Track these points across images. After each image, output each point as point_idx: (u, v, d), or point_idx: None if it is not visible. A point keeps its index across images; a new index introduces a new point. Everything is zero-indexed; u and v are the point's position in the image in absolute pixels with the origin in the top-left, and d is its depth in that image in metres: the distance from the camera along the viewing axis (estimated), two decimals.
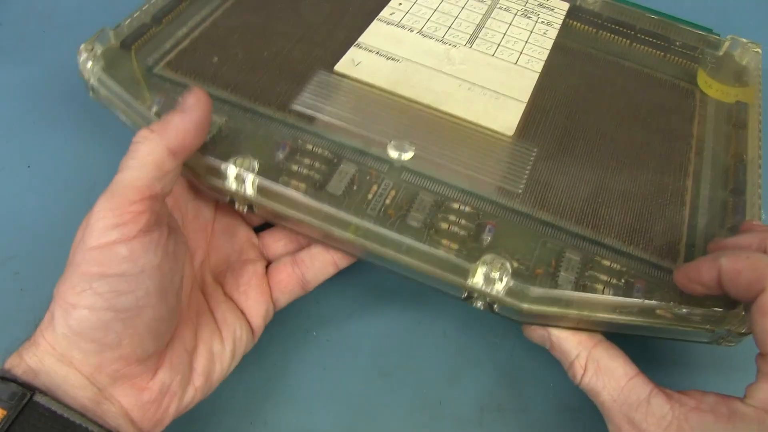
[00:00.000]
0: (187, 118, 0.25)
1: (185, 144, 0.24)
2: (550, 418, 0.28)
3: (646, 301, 0.25)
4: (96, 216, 0.22)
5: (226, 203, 0.28)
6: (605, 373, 0.24)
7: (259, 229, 0.30)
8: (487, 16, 0.36)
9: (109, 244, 0.21)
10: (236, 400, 0.28)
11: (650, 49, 0.37)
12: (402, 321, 0.31)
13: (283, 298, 0.28)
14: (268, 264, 0.29)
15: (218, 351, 0.25)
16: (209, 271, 0.27)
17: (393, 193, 0.27)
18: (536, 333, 0.26)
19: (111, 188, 0.22)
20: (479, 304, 0.26)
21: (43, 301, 0.29)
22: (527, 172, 0.29)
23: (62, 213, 0.33)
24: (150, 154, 0.23)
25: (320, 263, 0.28)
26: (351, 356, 0.30)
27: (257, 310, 0.27)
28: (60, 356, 0.22)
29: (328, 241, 0.27)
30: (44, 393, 0.21)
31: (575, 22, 0.38)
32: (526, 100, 0.32)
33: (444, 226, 0.27)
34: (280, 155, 0.28)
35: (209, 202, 0.29)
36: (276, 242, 0.29)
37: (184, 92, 0.25)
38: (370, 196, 0.27)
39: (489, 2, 0.37)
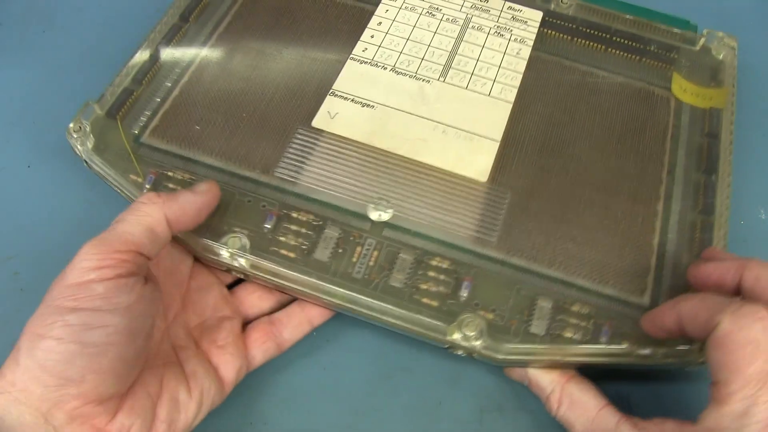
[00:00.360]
0: (194, 199, 0.27)
1: (182, 220, 0.27)
2: (550, 418, 0.28)
3: (611, 347, 0.28)
4: (80, 257, 0.24)
5: (202, 262, 0.30)
6: (577, 406, 0.27)
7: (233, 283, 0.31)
8: (459, 39, 0.36)
9: (86, 282, 0.23)
10: (236, 400, 0.28)
11: (626, 54, 0.37)
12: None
13: (260, 356, 0.29)
14: (245, 320, 0.30)
15: (184, 400, 0.26)
16: (183, 325, 0.29)
17: (376, 253, 0.30)
18: (515, 373, 0.29)
19: (101, 236, 0.25)
20: (460, 352, 0.28)
21: None
22: (501, 218, 0.31)
23: (62, 213, 0.34)
24: (148, 215, 0.26)
25: (296, 323, 0.30)
26: (351, 356, 0.30)
27: (231, 366, 0.28)
28: (18, 394, 0.22)
29: (316, 302, 0.30)
30: None
31: (550, 31, 0.38)
32: (500, 138, 0.33)
33: (424, 285, 0.29)
34: (268, 225, 0.30)
35: (186, 260, 0.30)
36: (250, 295, 0.30)
37: (201, 182, 0.29)
38: (354, 258, 0.29)
39: (461, 22, 0.37)
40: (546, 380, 0.27)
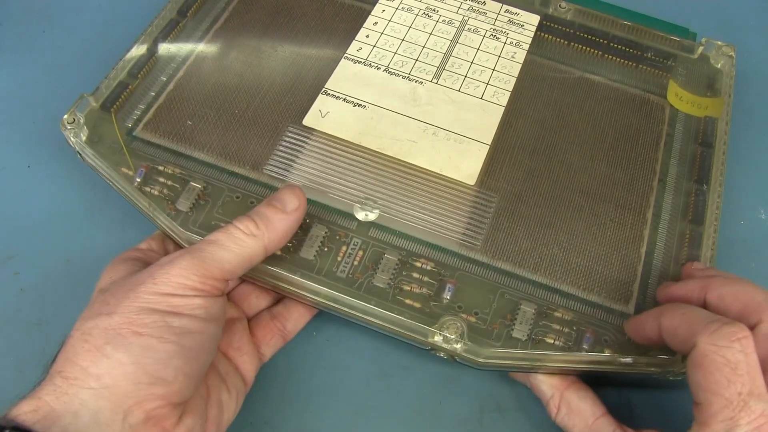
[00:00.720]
0: (288, 221, 0.27)
1: (279, 246, 0.27)
2: (551, 418, 0.28)
3: (592, 354, 0.27)
4: (177, 272, 0.24)
5: None
6: (575, 413, 0.27)
7: None
8: (455, 41, 0.36)
9: (183, 295, 0.24)
10: None
11: (622, 60, 0.37)
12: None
13: (268, 351, 0.30)
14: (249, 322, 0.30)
15: (226, 401, 0.27)
16: None
17: (361, 253, 0.30)
18: (518, 375, 0.29)
19: (200, 255, 0.25)
20: (442, 354, 0.28)
21: (43, 301, 0.30)
22: (487, 221, 0.31)
23: (62, 213, 0.34)
24: (250, 249, 0.26)
25: (297, 314, 0.30)
26: (351, 356, 0.30)
27: (250, 366, 0.29)
28: (100, 388, 0.22)
29: (301, 300, 0.30)
30: None
31: (546, 35, 0.38)
32: (490, 142, 0.33)
33: (407, 286, 0.29)
34: None
35: None
36: (248, 296, 0.31)
37: (286, 188, 0.28)
38: (339, 257, 0.29)
39: (457, 24, 0.37)
40: (546, 385, 0.28)
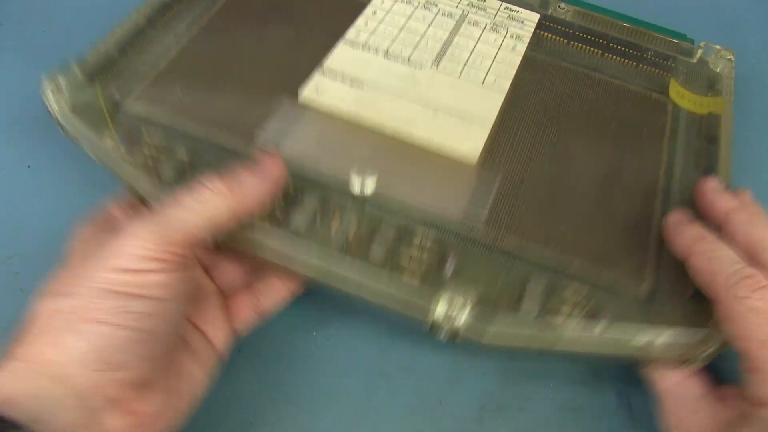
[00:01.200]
0: (259, 183, 0.25)
1: (250, 210, 0.25)
2: (550, 418, 0.28)
3: (604, 336, 0.25)
4: (133, 242, 0.22)
5: None
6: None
7: None
8: (454, 32, 0.36)
9: (143, 270, 0.22)
10: (236, 400, 0.28)
11: (622, 59, 0.37)
12: (402, 320, 0.30)
13: (243, 327, 0.28)
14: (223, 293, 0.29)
15: (198, 375, 0.25)
16: None
17: (355, 228, 0.28)
18: None
19: (159, 219, 0.23)
20: (442, 335, 0.26)
21: None
22: (490, 200, 0.29)
23: (62, 213, 0.32)
24: (214, 208, 0.24)
25: (276, 293, 0.28)
26: (351, 355, 0.30)
27: (222, 338, 0.27)
28: (58, 375, 0.21)
29: (293, 274, 0.28)
30: (19, 427, 0.20)
31: (546, 33, 0.37)
32: (491, 125, 0.32)
33: (405, 260, 0.27)
34: None
35: None
36: (225, 275, 0.29)
37: (264, 155, 0.26)
38: (333, 231, 0.28)
39: (457, 17, 0.37)
40: None
